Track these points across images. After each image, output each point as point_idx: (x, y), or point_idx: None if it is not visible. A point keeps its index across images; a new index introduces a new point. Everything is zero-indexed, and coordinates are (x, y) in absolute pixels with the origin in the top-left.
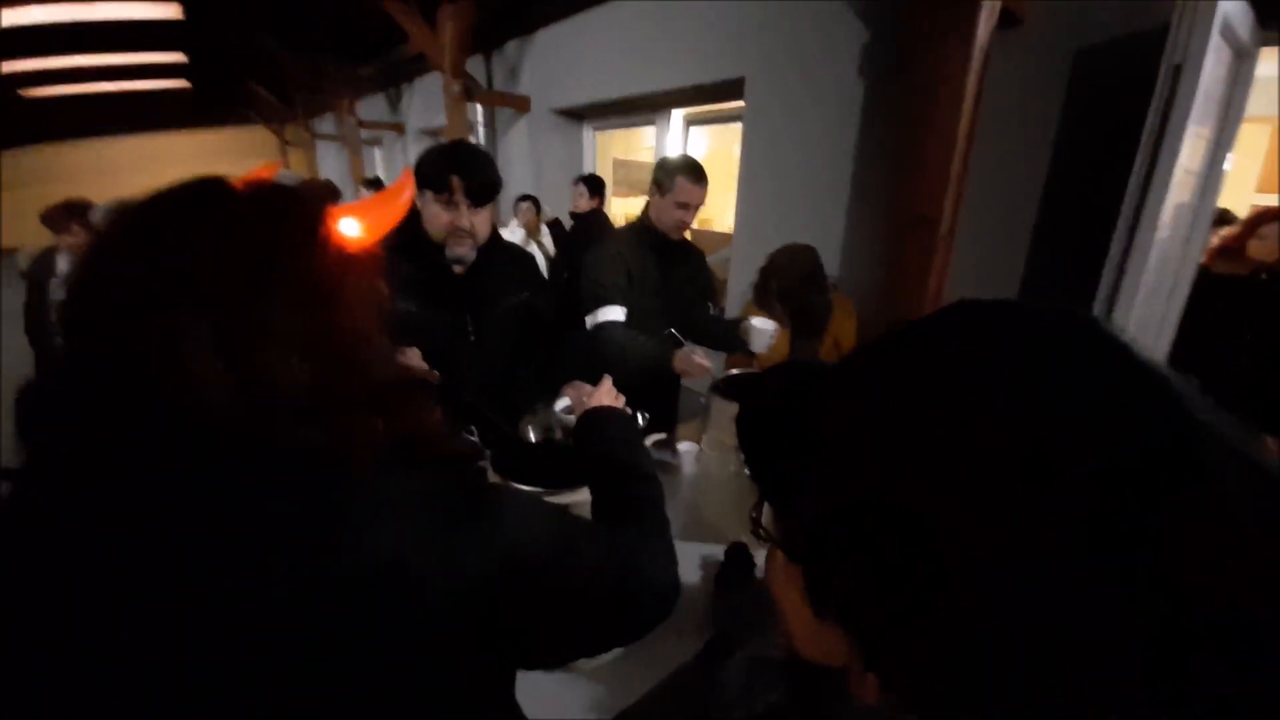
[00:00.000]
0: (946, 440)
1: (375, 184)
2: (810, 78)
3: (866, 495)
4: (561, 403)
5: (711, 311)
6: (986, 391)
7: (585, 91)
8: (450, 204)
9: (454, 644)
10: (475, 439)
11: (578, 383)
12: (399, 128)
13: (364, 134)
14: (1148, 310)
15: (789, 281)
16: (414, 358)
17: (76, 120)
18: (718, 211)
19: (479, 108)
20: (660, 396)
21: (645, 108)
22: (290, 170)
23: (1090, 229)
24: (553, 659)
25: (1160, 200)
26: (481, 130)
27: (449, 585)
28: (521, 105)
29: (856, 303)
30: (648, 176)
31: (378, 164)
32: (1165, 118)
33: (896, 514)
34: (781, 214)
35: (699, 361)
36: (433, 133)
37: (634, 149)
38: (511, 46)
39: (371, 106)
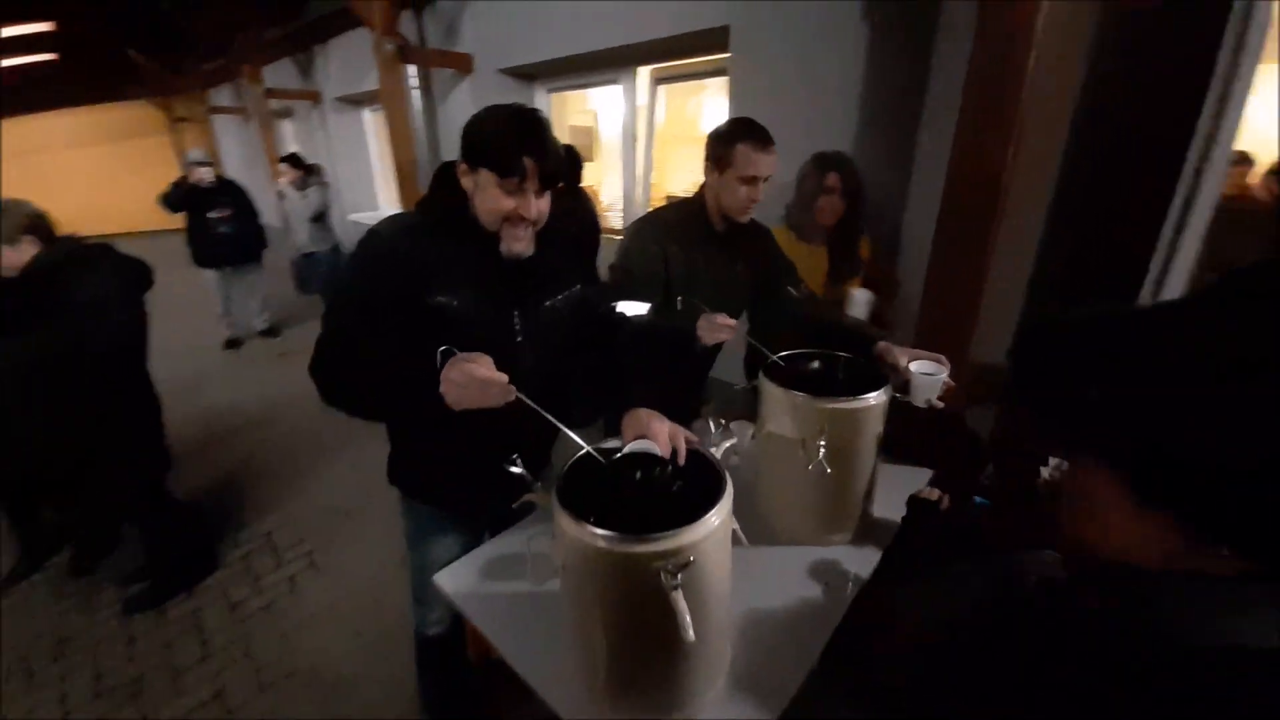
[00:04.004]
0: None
1: (294, 160)
2: (805, 23)
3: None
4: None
5: (797, 294)
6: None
7: (538, 48)
8: (518, 190)
9: None
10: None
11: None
12: (313, 96)
13: (272, 105)
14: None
15: (854, 179)
16: (485, 366)
17: None
18: (668, 179)
19: (411, 70)
20: (687, 392)
21: (609, 64)
22: (200, 150)
23: (1122, 178)
24: None
25: (1229, 142)
26: (416, 95)
27: None
28: (463, 65)
29: None
30: (588, 141)
31: (288, 139)
32: (1235, 60)
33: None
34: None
35: (723, 322)
36: (354, 100)
37: (577, 111)
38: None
39: (279, 74)
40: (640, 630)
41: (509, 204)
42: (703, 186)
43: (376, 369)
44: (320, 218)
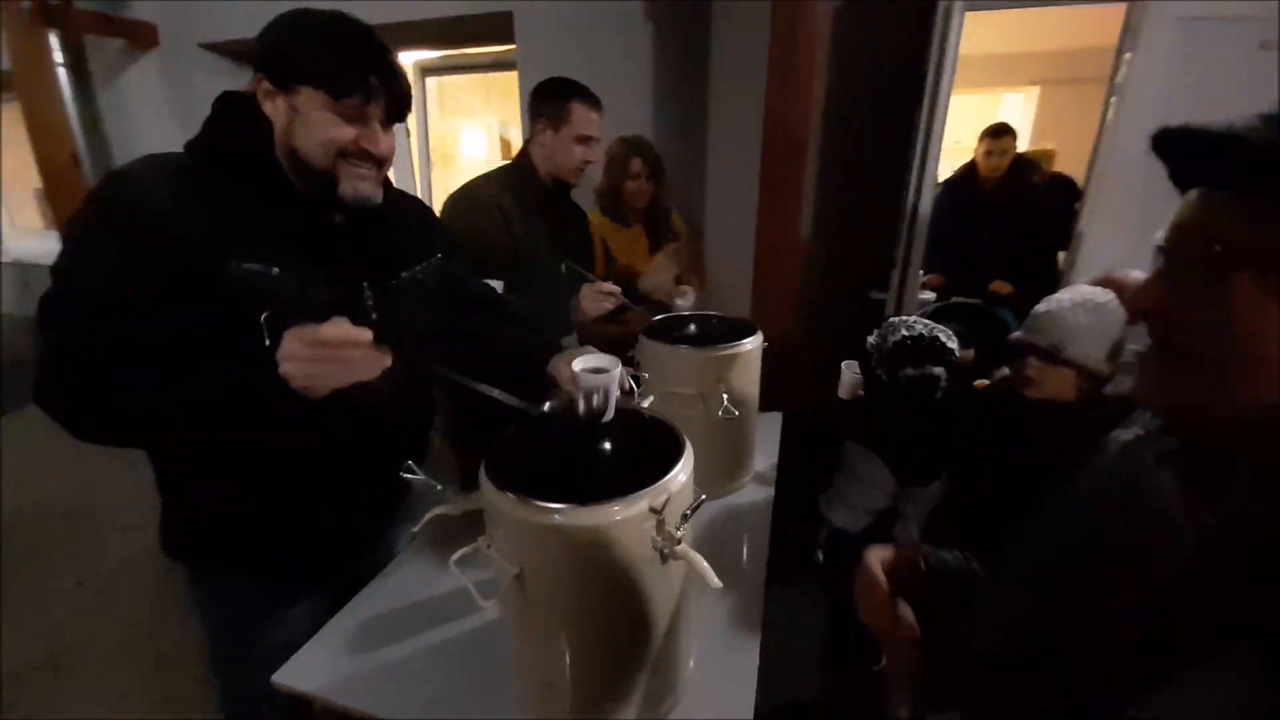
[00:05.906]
0: None
1: None
2: (590, 15)
3: None
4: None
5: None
6: None
7: (259, 18)
8: (358, 116)
9: None
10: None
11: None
12: None
13: None
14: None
15: (656, 161)
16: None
17: None
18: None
19: (54, 38)
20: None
21: None
22: None
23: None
24: None
25: (942, 127)
26: (62, 72)
27: None
28: (141, 37)
29: None
30: None
31: None
32: (940, 58)
33: None
34: None
35: (608, 290)
36: None
37: None
38: None
39: None
40: (625, 620)
41: (348, 133)
42: (527, 148)
43: (168, 359)
44: None
